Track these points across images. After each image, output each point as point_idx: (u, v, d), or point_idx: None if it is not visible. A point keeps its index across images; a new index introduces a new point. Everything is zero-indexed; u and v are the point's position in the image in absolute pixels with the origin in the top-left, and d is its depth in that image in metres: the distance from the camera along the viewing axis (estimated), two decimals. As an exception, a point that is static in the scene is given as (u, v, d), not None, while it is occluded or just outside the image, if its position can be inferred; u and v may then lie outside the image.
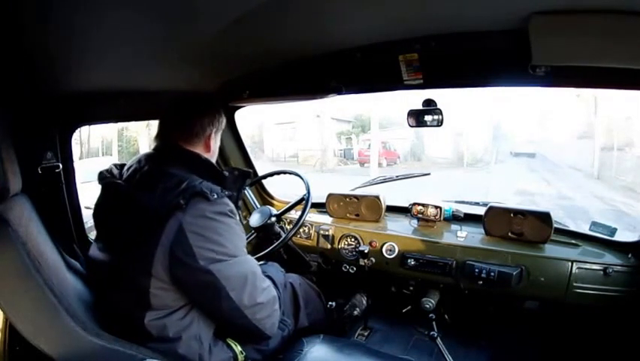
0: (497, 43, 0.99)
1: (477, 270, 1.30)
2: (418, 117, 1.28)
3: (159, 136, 0.96)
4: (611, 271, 1.18)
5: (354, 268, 1.57)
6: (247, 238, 1.39)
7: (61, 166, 1.18)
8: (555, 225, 1.31)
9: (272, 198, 1.93)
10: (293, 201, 1.60)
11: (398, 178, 1.79)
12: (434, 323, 1.34)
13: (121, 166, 0.95)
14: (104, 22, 0.73)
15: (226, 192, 0.87)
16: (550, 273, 1.24)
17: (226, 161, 1.76)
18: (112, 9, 0.68)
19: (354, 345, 1.23)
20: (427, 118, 1.27)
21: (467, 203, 1.62)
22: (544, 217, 1.31)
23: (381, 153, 13.19)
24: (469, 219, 1.55)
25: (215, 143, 1.00)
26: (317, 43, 1.09)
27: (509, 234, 1.37)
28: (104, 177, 0.92)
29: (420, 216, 1.54)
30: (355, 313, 1.50)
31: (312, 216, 1.73)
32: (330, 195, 1.71)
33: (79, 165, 1.32)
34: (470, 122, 14.41)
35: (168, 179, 0.84)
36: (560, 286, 1.23)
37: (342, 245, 1.60)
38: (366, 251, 1.46)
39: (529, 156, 14.69)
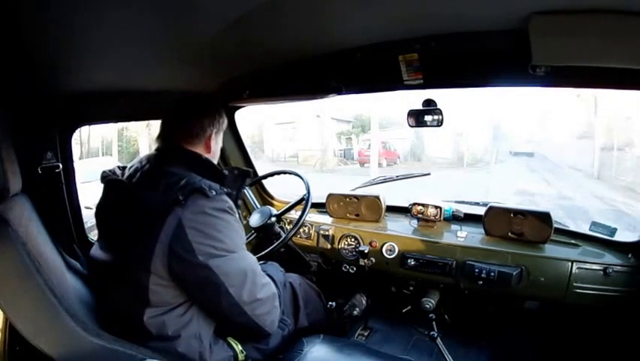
0: (497, 44, 0.99)
1: (477, 270, 1.30)
2: (418, 117, 1.28)
3: (161, 137, 0.97)
4: (611, 271, 1.18)
5: (354, 268, 1.57)
6: (247, 238, 1.39)
7: (61, 166, 1.19)
8: (555, 225, 1.31)
9: (272, 198, 1.93)
10: (293, 201, 1.60)
11: (398, 178, 1.79)
12: (434, 323, 1.34)
13: (123, 168, 0.96)
14: (104, 22, 0.73)
15: (225, 190, 0.87)
16: (550, 273, 1.24)
17: (226, 161, 1.76)
18: (112, 9, 0.68)
19: (354, 345, 1.23)
20: (427, 118, 1.27)
21: (467, 203, 1.62)
22: (544, 217, 1.31)
23: (381, 153, 13.19)
24: (469, 219, 1.55)
25: (216, 144, 1.01)
26: (317, 43, 1.09)
27: (509, 234, 1.37)
28: (107, 176, 0.92)
29: (420, 216, 1.54)
30: (355, 313, 1.50)
31: (312, 217, 1.73)
32: (330, 195, 1.71)
33: (79, 165, 1.32)
34: (470, 122, 14.43)
35: (169, 177, 0.85)
36: (560, 286, 1.23)
37: (342, 245, 1.60)
38: (366, 251, 1.46)
39: (528, 155, 14.72)
